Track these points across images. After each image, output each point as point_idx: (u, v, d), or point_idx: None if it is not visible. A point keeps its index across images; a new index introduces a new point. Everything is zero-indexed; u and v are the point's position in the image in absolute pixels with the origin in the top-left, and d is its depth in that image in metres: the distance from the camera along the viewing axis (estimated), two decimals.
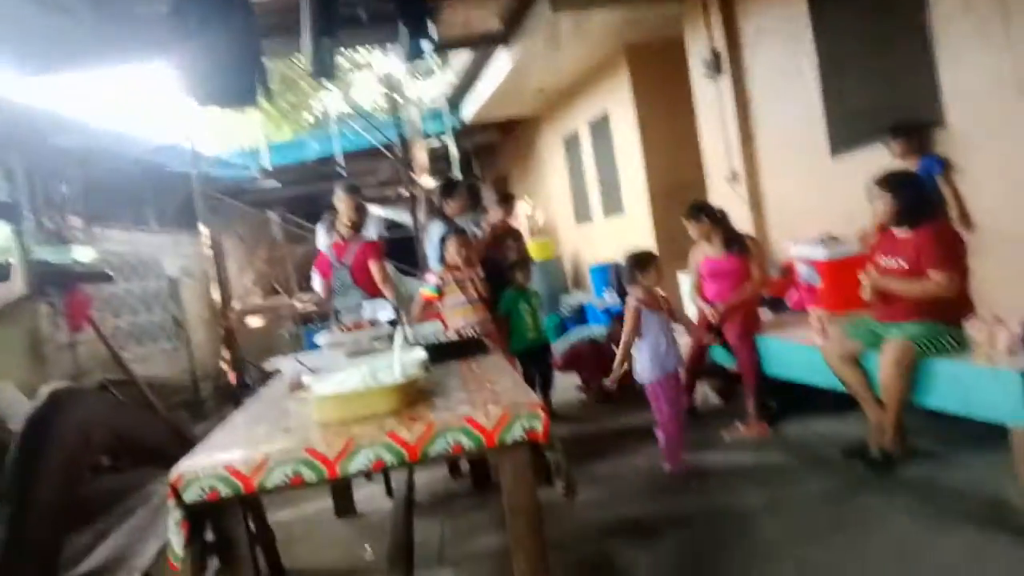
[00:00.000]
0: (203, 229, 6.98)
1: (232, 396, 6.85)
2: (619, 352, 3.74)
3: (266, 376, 4.48)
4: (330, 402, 1.94)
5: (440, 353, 2.68)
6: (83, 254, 5.73)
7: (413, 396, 2.01)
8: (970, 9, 3.94)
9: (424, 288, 4.23)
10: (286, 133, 14.09)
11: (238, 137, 9.87)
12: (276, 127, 14.16)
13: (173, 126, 8.39)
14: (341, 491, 3.79)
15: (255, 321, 7.56)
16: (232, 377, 6.93)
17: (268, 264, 9.32)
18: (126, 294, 7.48)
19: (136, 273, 7.74)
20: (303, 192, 8.28)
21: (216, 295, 7.37)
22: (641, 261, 3.79)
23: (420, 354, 2.26)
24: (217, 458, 1.76)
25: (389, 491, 4.00)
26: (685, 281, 6.21)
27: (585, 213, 10.11)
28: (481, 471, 3.91)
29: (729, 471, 3.51)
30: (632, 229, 8.59)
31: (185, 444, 2.15)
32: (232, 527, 1.75)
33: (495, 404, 1.84)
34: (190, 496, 1.67)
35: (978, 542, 2.50)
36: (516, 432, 1.77)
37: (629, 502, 3.37)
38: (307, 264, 12.90)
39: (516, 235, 5.45)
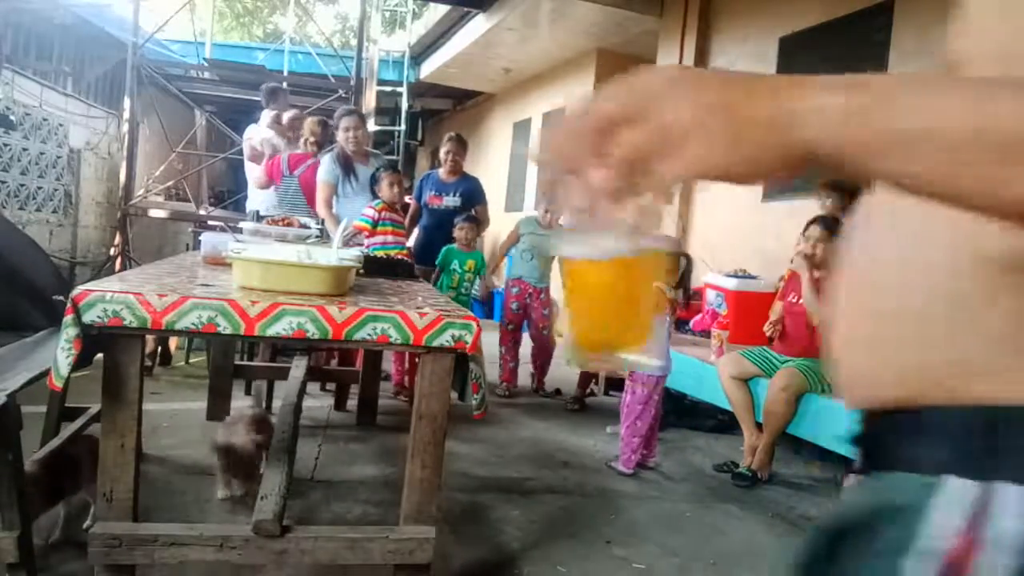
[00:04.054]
0: (127, 104, 6.50)
1: None
2: None
3: None
4: (257, 268, 1.84)
5: (372, 267, 2.61)
6: None
7: (345, 284, 1.95)
8: None
9: (358, 219, 4.11)
10: (234, 38, 13.40)
11: (182, 25, 9.28)
12: (225, 30, 13.44)
13: None
14: (219, 394, 3.63)
15: (158, 212, 7.11)
16: (118, 267, 6.49)
17: (183, 165, 8.80)
18: (22, 152, 6.88)
19: (38, 133, 7.14)
20: (238, 99, 7.86)
21: (121, 177, 6.88)
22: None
23: (356, 252, 2.19)
24: (128, 285, 1.65)
25: (268, 408, 3.87)
26: None
27: (517, 202, 10.15)
28: (367, 407, 3.84)
29: (608, 460, 3.60)
30: None
31: (65, 289, 1.98)
32: (125, 364, 1.63)
33: (430, 308, 1.81)
34: (90, 316, 1.55)
35: None
36: (445, 338, 1.74)
37: (512, 466, 3.41)
38: (223, 177, 12.20)
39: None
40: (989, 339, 0.49)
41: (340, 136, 4.46)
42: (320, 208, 4.40)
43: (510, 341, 4.97)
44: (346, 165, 4.42)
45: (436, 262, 4.46)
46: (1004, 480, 0.45)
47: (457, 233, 4.57)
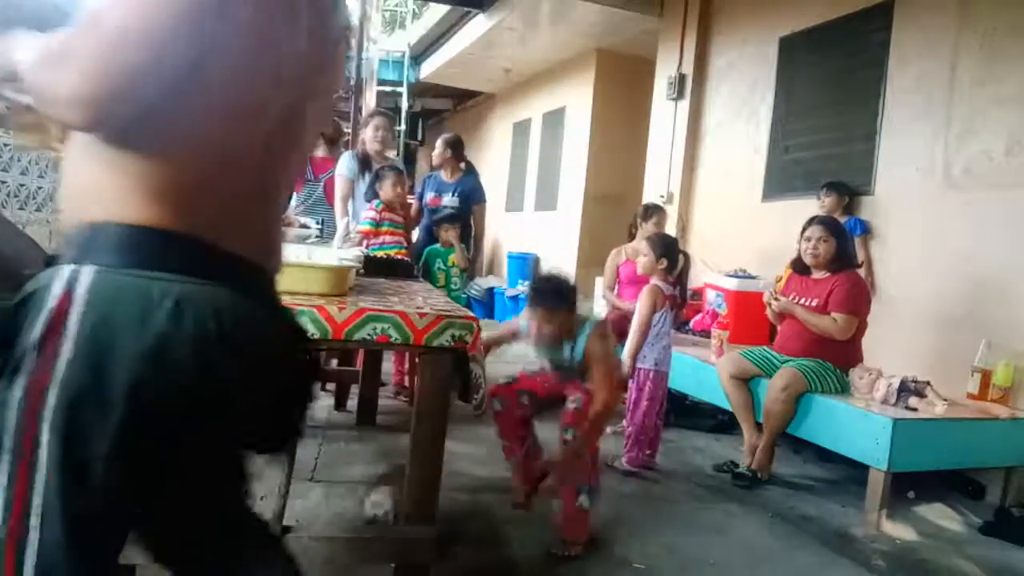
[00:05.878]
0: None
1: None
2: (634, 341, 3.47)
3: None
4: None
5: (372, 267, 2.61)
6: None
7: (346, 284, 1.95)
8: (920, 90, 4.23)
9: (362, 223, 4.11)
10: None
11: None
12: None
13: None
14: None
15: None
16: None
17: None
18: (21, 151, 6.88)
19: None
20: None
21: None
22: (673, 247, 3.64)
23: (356, 252, 2.20)
24: None
25: None
26: (599, 284, 6.35)
27: (517, 203, 10.15)
28: (367, 407, 3.84)
29: (606, 460, 3.59)
30: (561, 228, 8.70)
31: None
32: None
33: (430, 308, 1.82)
34: None
35: (820, 559, 2.70)
36: (445, 338, 1.74)
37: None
38: None
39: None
40: (94, 192, 0.89)
41: (368, 134, 4.48)
42: (337, 203, 4.43)
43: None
44: (363, 163, 4.44)
45: (418, 264, 4.43)
46: (85, 263, 0.84)
47: (441, 235, 4.59)
